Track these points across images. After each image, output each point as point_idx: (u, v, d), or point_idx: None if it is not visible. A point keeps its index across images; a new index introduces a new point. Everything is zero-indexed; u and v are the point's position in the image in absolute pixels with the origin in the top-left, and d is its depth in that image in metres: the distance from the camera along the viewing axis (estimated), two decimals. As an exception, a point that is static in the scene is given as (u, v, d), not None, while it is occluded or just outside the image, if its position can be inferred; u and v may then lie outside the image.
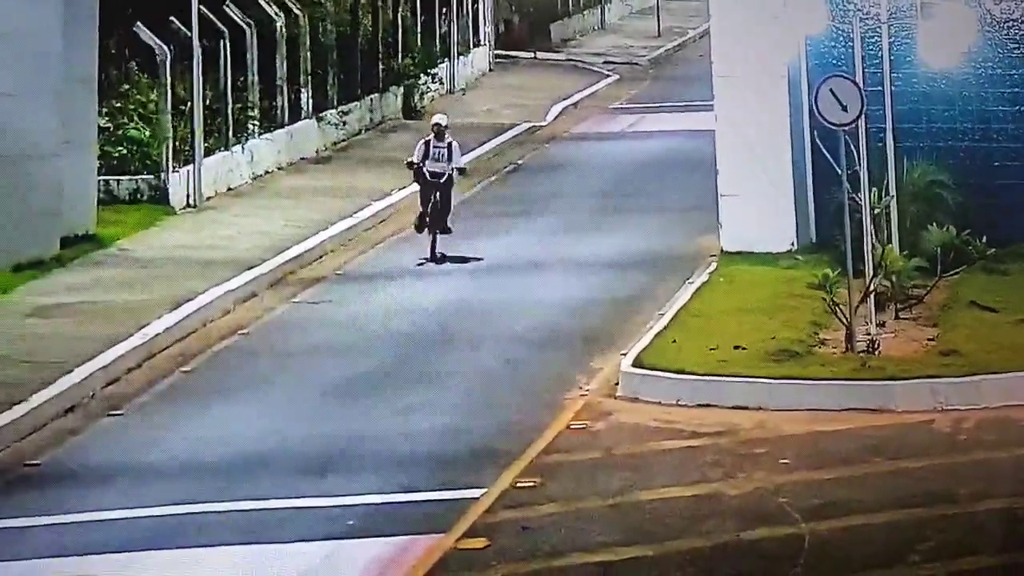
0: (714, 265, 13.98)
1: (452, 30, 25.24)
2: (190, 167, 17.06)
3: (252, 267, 14.40)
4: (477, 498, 9.09)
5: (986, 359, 10.78)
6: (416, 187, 15.01)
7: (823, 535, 8.37)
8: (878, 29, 12.82)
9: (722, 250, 14.26)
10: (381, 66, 22.19)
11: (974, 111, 13.88)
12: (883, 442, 9.83)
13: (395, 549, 8.47)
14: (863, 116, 11.29)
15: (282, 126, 19.30)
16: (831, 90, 11.10)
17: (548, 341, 12.23)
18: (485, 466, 9.62)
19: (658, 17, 32.58)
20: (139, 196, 16.67)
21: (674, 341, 11.53)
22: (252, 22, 18.57)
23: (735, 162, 14.25)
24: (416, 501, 9.10)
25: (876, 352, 11.02)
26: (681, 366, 10.91)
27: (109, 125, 16.68)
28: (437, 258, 14.26)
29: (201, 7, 17.08)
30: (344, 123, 20.91)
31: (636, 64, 28.87)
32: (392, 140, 21.05)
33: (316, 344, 12.41)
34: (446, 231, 14.44)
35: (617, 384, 11.01)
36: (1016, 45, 13.84)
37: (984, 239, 12.30)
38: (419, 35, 23.69)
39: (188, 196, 17.00)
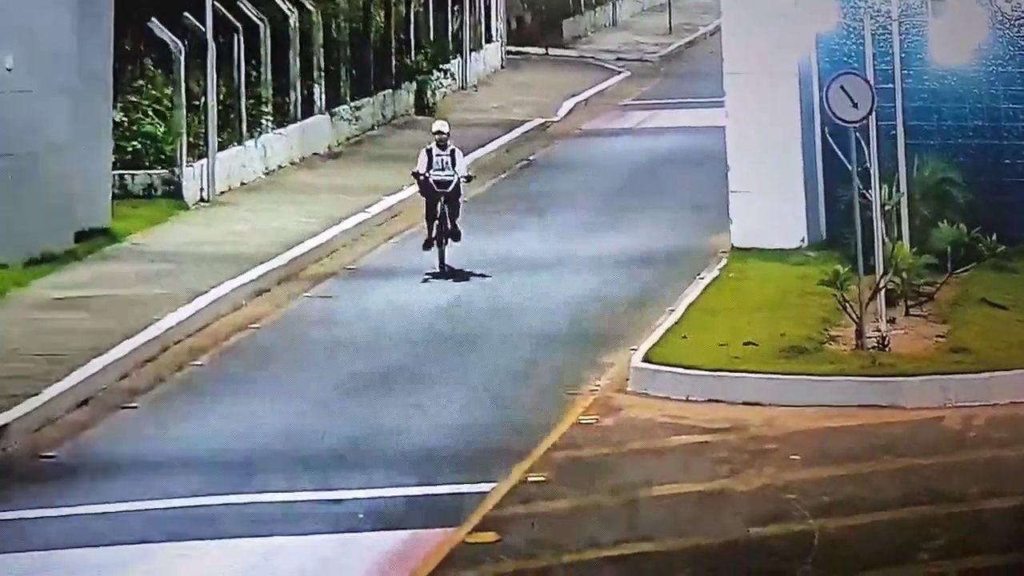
0: (724, 261, 14.01)
1: (464, 26, 25.27)
2: (203, 162, 17.10)
3: (264, 262, 14.43)
4: (487, 492, 9.13)
5: (996, 356, 10.80)
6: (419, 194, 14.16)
7: (832, 532, 8.38)
8: (889, 26, 12.80)
9: (733, 246, 14.28)
10: (394, 62, 22.22)
11: (984, 108, 13.88)
12: (893, 439, 9.85)
13: (405, 542, 8.51)
14: (874, 113, 11.29)
15: (295, 121, 19.34)
16: (842, 87, 11.12)
17: (559, 337, 12.27)
18: (495, 461, 9.66)
19: (669, 14, 32.55)
20: (153, 191, 16.73)
21: (684, 337, 11.57)
22: (266, 18, 18.62)
23: (746, 159, 14.27)
24: (426, 495, 9.15)
25: (886, 349, 11.04)
26: (691, 362, 10.94)
27: (123, 120, 16.74)
28: (445, 271, 13.69)
29: (215, 3, 17.15)
30: (356, 119, 20.96)
31: (647, 61, 28.87)
32: (404, 136, 21.06)
33: (327, 339, 12.46)
34: (456, 237, 13.83)
35: (627, 380, 11.05)
36: (1027, 42, 13.85)
37: (994, 236, 12.35)
38: (431, 31, 23.71)
39: (201, 191, 17.05)
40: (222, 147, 17.52)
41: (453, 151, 14.01)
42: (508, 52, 27.72)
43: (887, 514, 8.60)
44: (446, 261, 13.76)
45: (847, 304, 11.22)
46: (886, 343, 11.10)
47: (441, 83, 23.39)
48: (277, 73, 18.87)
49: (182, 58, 16.84)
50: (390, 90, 22.08)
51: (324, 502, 9.12)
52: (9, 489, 9.57)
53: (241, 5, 18.25)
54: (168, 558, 8.50)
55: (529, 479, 9.34)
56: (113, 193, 15.86)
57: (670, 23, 32.19)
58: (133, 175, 16.73)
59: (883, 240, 11.55)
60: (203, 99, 17.13)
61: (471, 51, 25.44)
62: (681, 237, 15.35)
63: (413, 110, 22.68)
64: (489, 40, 26.72)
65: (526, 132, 21.68)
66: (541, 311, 12.98)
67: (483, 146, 20.34)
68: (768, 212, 14.13)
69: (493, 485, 9.24)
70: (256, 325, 12.98)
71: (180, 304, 12.92)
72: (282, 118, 19.05)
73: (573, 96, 24.25)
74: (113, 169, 16.04)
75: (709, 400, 10.64)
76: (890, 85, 12.72)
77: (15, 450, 10.18)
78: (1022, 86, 13.85)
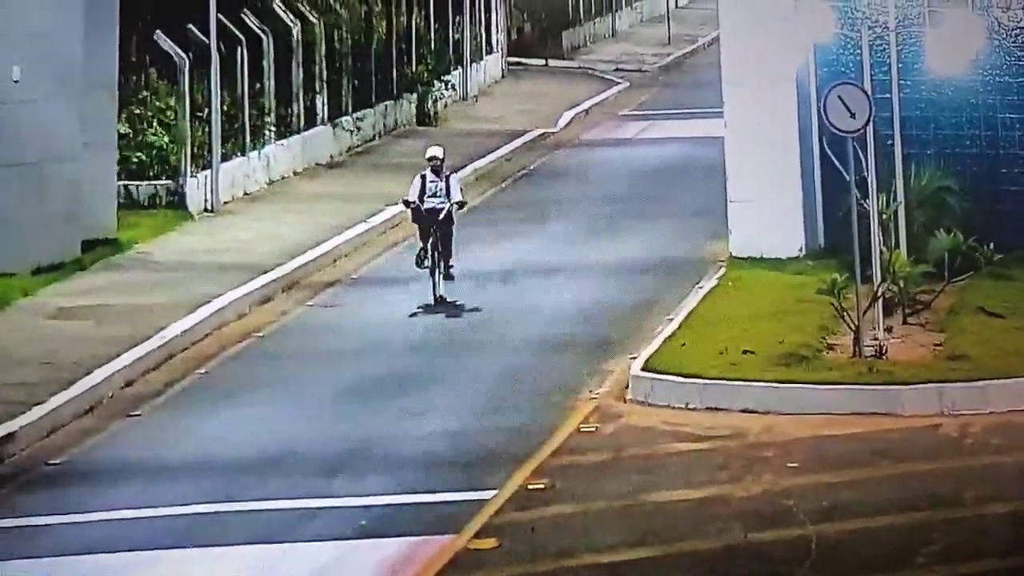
0: (723, 270, 14.08)
1: (465, 38, 25.40)
2: (208, 172, 17.24)
3: (267, 271, 14.54)
4: (488, 499, 9.21)
5: (993, 364, 10.85)
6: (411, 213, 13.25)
7: (830, 538, 8.45)
8: (886, 37, 12.87)
9: (731, 255, 14.36)
10: (395, 73, 22.34)
11: (981, 118, 13.95)
12: (890, 446, 9.92)
13: (407, 549, 8.59)
14: (871, 123, 11.37)
15: (298, 132, 19.47)
16: (839, 97, 11.19)
17: (559, 345, 12.34)
18: (496, 468, 9.74)
19: (668, 25, 32.71)
20: (158, 201, 16.85)
21: (683, 345, 11.64)
22: (269, 30, 18.76)
23: (744, 168, 14.33)
24: (427, 502, 9.22)
25: (884, 357, 11.10)
26: (690, 370, 11.01)
27: (129, 131, 16.89)
28: (438, 301, 12.94)
29: (219, 15, 17.27)
30: (359, 129, 21.07)
31: (646, 71, 28.96)
32: (406, 146, 21.16)
33: (330, 347, 12.53)
34: (449, 277, 13.04)
35: (627, 387, 11.12)
36: (1023, 52, 13.93)
37: (991, 245, 12.38)
38: (433, 42, 23.83)
39: (205, 201, 17.17)
40: (226, 157, 17.65)
41: (448, 177, 13.25)
42: (508, 63, 27.83)
43: (885, 520, 8.67)
44: (440, 292, 13.02)
45: (845, 312, 11.29)
46: (884, 351, 11.16)
47: (442, 94, 23.53)
48: (280, 84, 19.00)
49: (186, 70, 16.96)
50: (391, 101, 22.20)
51: (327, 509, 9.20)
52: (16, 495, 9.67)
53: (244, 17, 18.39)
54: (172, 564, 8.59)
55: (529, 486, 9.42)
56: (119, 203, 15.98)
57: (669, 34, 32.33)
58: (138, 185, 16.85)
59: (881, 249, 11.64)
60: (207, 110, 17.26)
61: (472, 62, 25.56)
62: (680, 246, 15.43)
63: (415, 121, 22.80)
64: (490, 51, 26.84)
65: (526, 142, 21.78)
66: (540, 319, 13.07)
67: (484, 156, 20.44)
68: (766, 221, 14.20)
69: (494, 492, 9.32)
70: (260, 333, 13.07)
71: (185, 312, 13.02)
72: (285, 129, 19.19)
73: (573, 106, 24.37)
74: (118, 179, 16.18)
75: (708, 408, 10.71)
76: (887, 95, 12.80)
77: (22, 457, 10.28)
78: (1018, 95, 13.92)
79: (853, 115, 11.16)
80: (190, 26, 17.16)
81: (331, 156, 20.25)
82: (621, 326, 12.78)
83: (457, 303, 13.12)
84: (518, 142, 21.64)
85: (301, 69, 19.54)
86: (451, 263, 13.14)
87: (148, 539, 8.86)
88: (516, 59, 28.52)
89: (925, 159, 13.67)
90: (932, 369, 10.91)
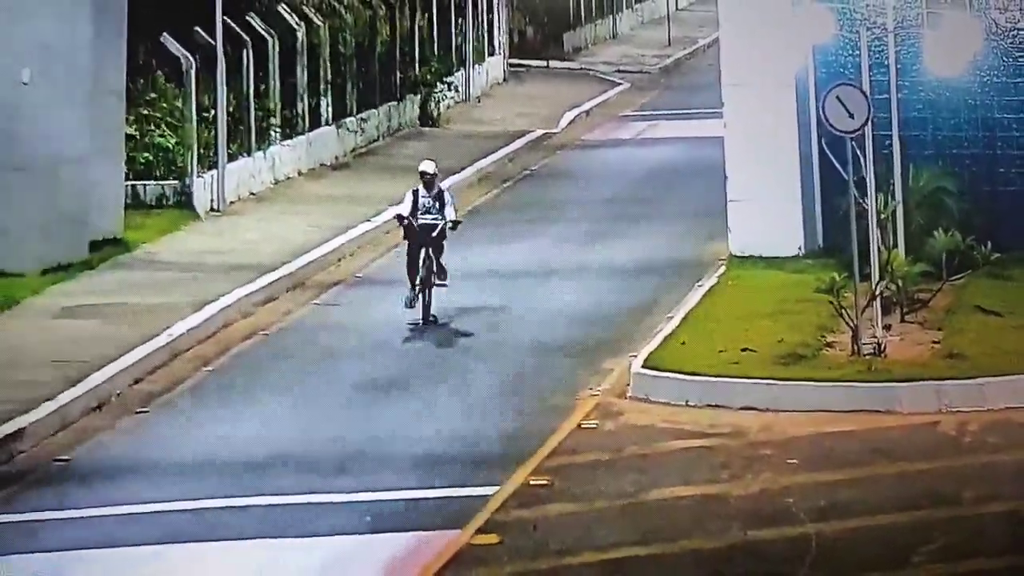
0: (723, 269, 14.15)
1: (467, 40, 25.48)
2: (214, 173, 17.34)
3: (273, 270, 14.63)
4: (491, 496, 9.29)
5: (990, 362, 10.92)
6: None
7: (829, 535, 8.51)
8: (884, 38, 12.92)
9: (731, 254, 14.42)
10: (398, 75, 22.43)
11: (979, 119, 14.02)
12: (889, 444, 9.97)
13: (411, 544, 8.68)
14: (870, 123, 11.43)
15: (302, 133, 19.55)
16: (838, 98, 11.26)
17: (561, 343, 12.42)
18: (499, 465, 9.82)
19: (668, 27, 32.76)
20: (165, 201, 16.95)
21: (683, 343, 11.71)
22: (274, 32, 18.87)
23: (744, 168, 14.40)
24: (431, 498, 9.31)
25: (882, 355, 11.17)
26: (690, 368, 11.09)
27: (136, 132, 17.00)
28: (430, 320, 12.51)
29: (225, 18, 17.36)
30: (362, 130, 21.18)
31: (647, 73, 29.04)
32: (409, 147, 21.26)
33: (334, 346, 12.63)
34: (443, 276, 12.55)
35: (628, 385, 11.20)
36: (1021, 53, 13.98)
37: (988, 245, 12.43)
38: (435, 45, 23.93)
39: (212, 201, 17.27)
40: (232, 158, 17.74)
41: (441, 192, 12.80)
42: (511, 64, 27.89)
43: (883, 518, 8.72)
44: (432, 311, 12.58)
45: (843, 311, 11.35)
46: (882, 349, 11.22)
47: (445, 95, 23.61)
48: (285, 86, 19.09)
49: (193, 72, 17.07)
50: (395, 102, 22.29)
51: (332, 504, 9.29)
52: (25, 491, 9.77)
53: (250, 20, 18.51)
54: (179, 559, 8.69)
55: (531, 482, 9.50)
56: (126, 203, 16.10)
57: (669, 36, 32.38)
58: (145, 186, 16.97)
59: (879, 248, 11.68)
60: (213, 112, 17.35)
61: (474, 64, 25.64)
62: (680, 245, 15.50)
63: (418, 122, 22.89)
64: (492, 53, 26.91)
65: (528, 143, 21.87)
66: (542, 318, 13.13)
67: (486, 156, 20.53)
68: (766, 221, 14.26)
69: (496, 488, 9.41)
70: (265, 332, 13.16)
71: (191, 311, 13.12)
72: (290, 130, 19.27)
73: (574, 107, 24.42)
74: (126, 180, 16.28)
75: (708, 405, 10.77)
76: (886, 96, 12.85)
77: (32, 453, 10.38)
78: (1016, 96, 13.99)
79: (852, 116, 11.23)
80: (197, 29, 17.26)
81: (335, 157, 20.34)
82: (622, 324, 12.85)
83: (450, 322, 12.65)
84: (520, 143, 21.73)
85: (306, 71, 19.63)
86: (444, 272, 12.65)
87: (156, 534, 8.96)
88: (518, 61, 28.59)
89: (923, 159, 13.74)
90: (930, 367, 10.97)
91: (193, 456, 10.26)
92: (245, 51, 18.08)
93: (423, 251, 12.61)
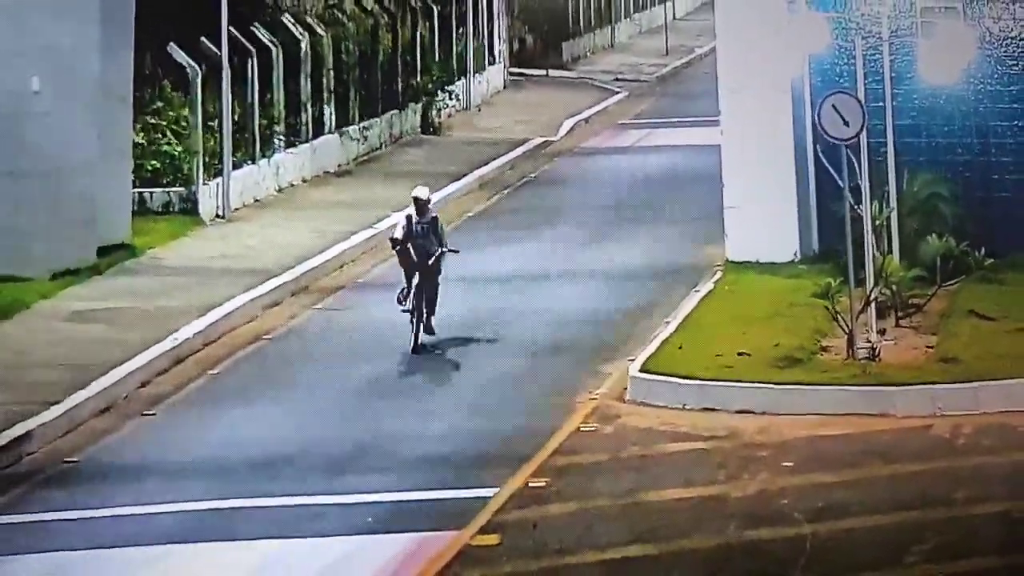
0: (719, 274, 14.26)
1: (468, 49, 25.61)
2: (219, 180, 17.48)
3: (276, 275, 14.77)
4: (491, 497, 9.42)
5: (984, 366, 11.02)
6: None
7: (824, 536, 8.60)
8: (879, 46, 13.06)
9: (727, 260, 14.53)
10: (400, 83, 22.56)
11: (973, 126, 14.14)
12: (883, 446, 10.07)
13: (412, 545, 8.79)
14: (864, 130, 11.58)
15: (306, 141, 19.70)
16: (833, 105, 11.37)
17: (560, 347, 12.55)
18: (499, 466, 9.94)
19: (666, 36, 32.88)
20: (171, 208, 17.11)
21: (680, 347, 11.82)
22: (278, 42, 19.02)
23: (740, 175, 14.50)
24: (432, 499, 9.44)
25: (877, 359, 11.28)
26: (687, 371, 11.19)
27: (143, 140, 17.17)
28: (418, 349, 12.22)
29: (230, 28, 17.50)
30: (365, 138, 21.32)
31: (644, 81, 29.15)
32: (410, 154, 21.42)
33: (337, 349, 12.77)
34: (429, 331, 12.20)
35: (626, 388, 11.31)
36: (1014, 62, 14.12)
37: (982, 250, 12.61)
38: (436, 54, 24.07)
39: (217, 208, 17.42)
40: (237, 166, 17.89)
41: (435, 218, 12.52)
42: (510, 73, 28.03)
43: (878, 519, 8.82)
44: (420, 341, 12.24)
45: (839, 315, 11.46)
46: (877, 353, 11.32)
47: (446, 103, 23.74)
48: (289, 95, 19.22)
49: (199, 81, 17.19)
50: (397, 110, 22.41)
51: (334, 505, 9.42)
52: (34, 492, 9.91)
53: (255, 30, 18.66)
54: (184, 559, 8.81)
55: (531, 484, 9.61)
56: (133, 210, 16.26)
57: (667, 45, 32.48)
58: (152, 193, 17.12)
59: (874, 253, 11.80)
60: (218, 120, 17.48)
61: (475, 72, 25.75)
62: (677, 251, 15.61)
63: (419, 130, 23.05)
64: (492, 62, 27.03)
65: (528, 150, 22.00)
66: (541, 322, 13.24)
67: (486, 164, 20.67)
68: (762, 226, 14.37)
69: (496, 490, 9.53)
70: (269, 336, 13.31)
71: (197, 315, 13.25)
72: (294, 138, 19.40)
73: (573, 115, 24.53)
74: (133, 187, 16.44)
75: (705, 408, 10.89)
76: (880, 103, 12.95)
77: (40, 455, 10.52)
78: (1009, 104, 14.09)
79: (847, 123, 11.33)
80: (202, 39, 17.39)
81: (338, 164, 20.49)
82: (620, 329, 12.97)
83: (439, 346, 12.33)
84: (520, 150, 21.85)
85: (309, 80, 19.79)
86: (432, 318, 12.30)
87: (161, 534, 9.08)
88: (518, 70, 28.72)
89: (917, 166, 13.83)
90: (924, 371, 11.07)
91: (198, 458, 10.39)
92: (250, 60, 18.23)
93: (415, 278, 12.37)
